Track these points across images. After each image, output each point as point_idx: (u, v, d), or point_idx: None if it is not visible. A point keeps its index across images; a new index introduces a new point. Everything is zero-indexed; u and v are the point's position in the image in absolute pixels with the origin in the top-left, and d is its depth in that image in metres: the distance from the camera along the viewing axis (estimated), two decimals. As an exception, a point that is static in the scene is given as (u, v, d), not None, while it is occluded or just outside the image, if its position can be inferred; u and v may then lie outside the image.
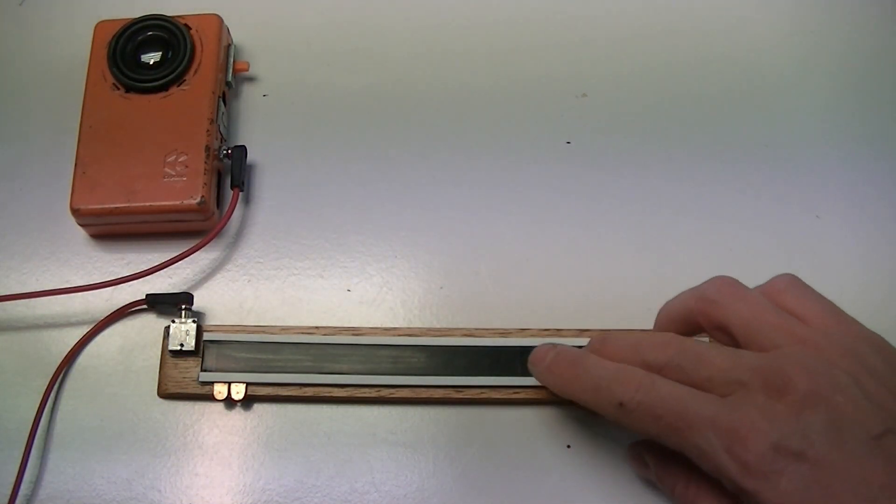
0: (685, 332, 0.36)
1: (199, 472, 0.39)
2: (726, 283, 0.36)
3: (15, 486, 0.38)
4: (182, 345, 0.40)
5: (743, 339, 0.34)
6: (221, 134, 0.44)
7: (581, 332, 0.40)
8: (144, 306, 0.42)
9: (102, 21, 0.45)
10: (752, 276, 0.35)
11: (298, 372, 0.40)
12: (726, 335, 0.35)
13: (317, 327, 0.41)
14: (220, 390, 0.40)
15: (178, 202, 0.41)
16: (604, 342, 0.36)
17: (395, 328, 0.41)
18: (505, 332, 0.41)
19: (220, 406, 0.40)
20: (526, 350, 0.39)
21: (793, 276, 0.36)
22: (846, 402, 0.30)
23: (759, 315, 0.34)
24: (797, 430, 0.30)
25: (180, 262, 0.41)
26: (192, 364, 0.40)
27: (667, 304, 0.38)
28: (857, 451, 0.30)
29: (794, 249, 0.44)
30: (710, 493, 0.34)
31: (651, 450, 0.37)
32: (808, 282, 0.43)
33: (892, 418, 0.30)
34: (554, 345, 0.38)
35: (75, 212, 0.41)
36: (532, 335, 0.40)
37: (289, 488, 0.39)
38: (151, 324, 0.42)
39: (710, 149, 0.46)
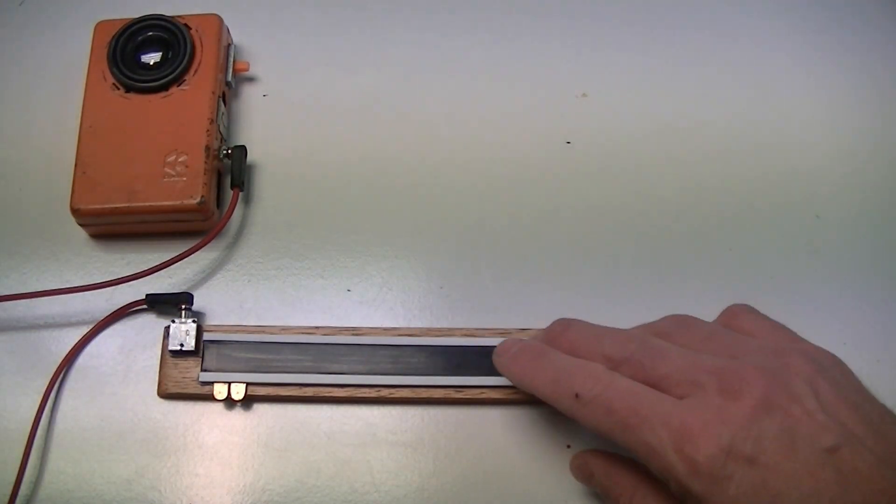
0: None
1: (199, 472, 0.39)
2: (680, 318, 0.36)
3: (15, 486, 0.38)
4: (182, 345, 0.40)
5: None
6: (221, 134, 0.44)
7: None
8: (144, 306, 0.42)
9: (102, 21, 0.45)
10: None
11: (298, 372, 0.40)
12: None
13: (317, 327, 0.41)
14: (220, 390, 0.39)
15: (178, 202, 0.41)
16: (567, 327, 0.37)
17: (395, 328, 0.41)
18: (505, 332, 0.41)
19: (220, 406, 0.40)
20: (526, 350, 0.39)
21: (746, 304, 0.37)
22: (802, 411, 0.30)
23: (716, 335, 0.34)
24: (750, 434, 0.30)
25: (180, 262, 0.41)
26: (192, 364, 0.40)
27: None
28: (809, 462, 0.29)
29: (792, 248, 0.44)
30: (658, 502, 0.34)
31: (597, 458, 0.37)
32: (807, 283, 0.43)
33: (847, 432, 0.30)
34: (521, 339, 0.38)
35: (75, 212, 0.41)
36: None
37: (289, 488, 0.39)
38: (151, 324, 0.42)
39: (710, 149, 0.47)
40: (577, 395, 0.33)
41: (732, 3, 0.51)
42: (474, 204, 0.45)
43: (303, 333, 0.41)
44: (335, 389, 0.40)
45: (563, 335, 0.36)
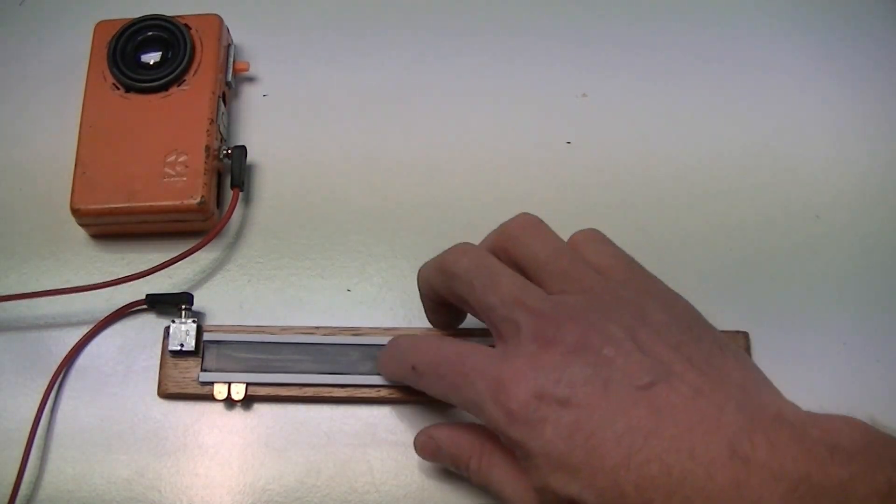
0: None
1: (199, 473, 0.39)
2: (529, 221, 0.36)
3: (15, 486, 0.38)
4: (182, 345, 0.40)
5: (535, 280, 0.34)
6: (221, 134, 0.44)
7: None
8: (144, 306, 0.42)
9: (102, 21, 0.45)
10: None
11: (298, 372, 0.40)
12: (521, 273, 0.35)
13: (317, 327, 0.41)
14: (220, 390, 0.40)
15: (178, 202, 0.41)
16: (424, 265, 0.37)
17: (395, 328, 0.41)
18: None
19: (220, 406, 0.40)
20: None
21: (595, 230, 0.37)
22: (616, 353, 0.30)
23: (553, 258, 0.34)
24: (562, 377, 0.30)
25: (180, 262, 0.41)
26: (192, 364, 0.40)
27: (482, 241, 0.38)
28: (623, 400, 0.29)
29: (792, 248, 0.44)
30: (503, 459, 0.34)
31: (440, 429, 0.37)
32: (807, 283, 0.43)
33: (665, 370, 0.30)
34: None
35: (75, 212, 0.41)
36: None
37: (289, 488, 0.39)
38: (151, 324, 0.42)
39: (710, 149, 0.47)
40: (413, 367, 0.35)
41: (731, 3, 0.51)
42: (475, 204, 0.45)
43: (303, 333, 0.41)
44: (335, 389, 0.40)
45: (420, 271, 0.38)
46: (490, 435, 0.35)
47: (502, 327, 0.33)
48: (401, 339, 0.38)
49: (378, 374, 0.39)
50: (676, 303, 0.34)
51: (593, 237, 0.36)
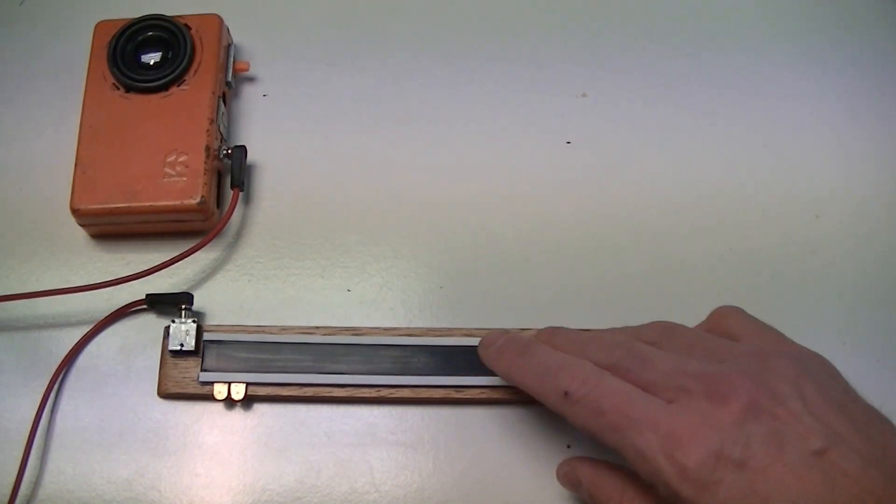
0: None
1: (199, 472, 0.39)
2: (665, 327, 0.36)
3: (15, 486, 0.38)
4: (182, 345, 0.40)
5: None
6: (221, 134, 0.44)
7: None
8: (144, 306, 0.42)
9: (102, 21, 0.45)
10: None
11: (298, 372, 0.40)
12: None
13: (317, 327, 0.41)
14: (220, 390, 0.40)
15: (178, 202, 0.41)
16: (553, 335, 0.37)
17: (395, 328, 0.41)
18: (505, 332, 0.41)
19: (220, 406, 0.40)
20: (526, 350, 0.39)
21: (736, 307, 0.37)
22: (788, 414, 0.30)
23: (700, 340, 0.35)
24: (739, 439, 0.30)
25: (180, 262, 0.41)
26: (192, 364, 0.40)
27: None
28: (797, 465, 0.29)
29: (791, 248, 0.44)
30: None
31: (584, 465, 0.37)
32: (807, 283, 0.43)
33: (833, 434, 0.30)
34: (506, 331, 0.38)
35: (75, 212, 0.41)
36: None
37: (289, 488, 0.39)
38: (151, 324, 0.42)
39: (711, 148, 0.47)
40: (566, 393, 0.33)
41: (728, 5, 0.51)
42: (474, 204, 0.45)
43: (303, 333, 0.41)
44: (335, 389, 0.40)
45: (551, 342, 0.37)
46: (633, 480, 0.34)
47: (668, 395, 0.32)
48: (544, 353, 0.36)
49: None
50: (828, 367, 0.34)
51: (735, 311, 0.37)
